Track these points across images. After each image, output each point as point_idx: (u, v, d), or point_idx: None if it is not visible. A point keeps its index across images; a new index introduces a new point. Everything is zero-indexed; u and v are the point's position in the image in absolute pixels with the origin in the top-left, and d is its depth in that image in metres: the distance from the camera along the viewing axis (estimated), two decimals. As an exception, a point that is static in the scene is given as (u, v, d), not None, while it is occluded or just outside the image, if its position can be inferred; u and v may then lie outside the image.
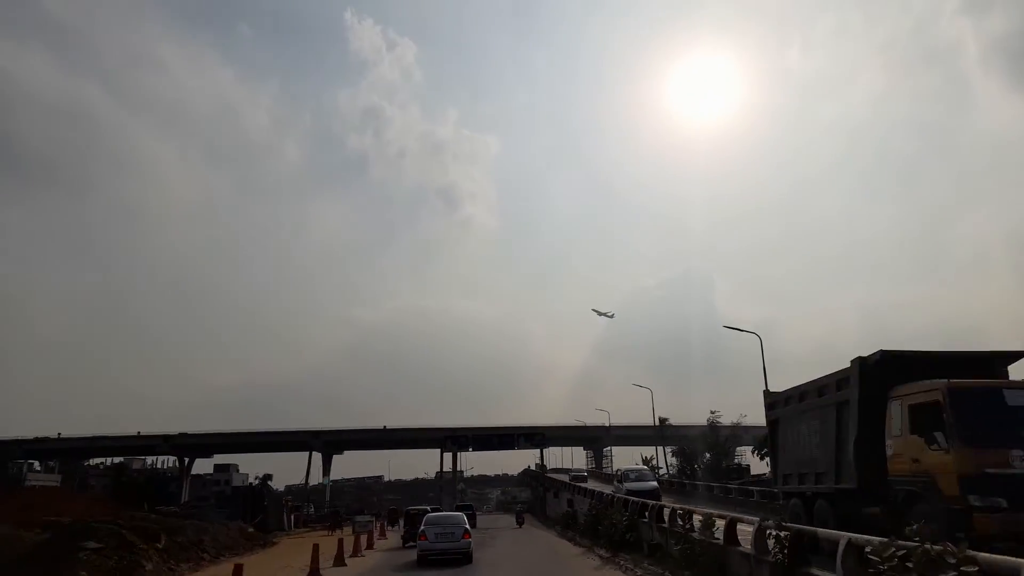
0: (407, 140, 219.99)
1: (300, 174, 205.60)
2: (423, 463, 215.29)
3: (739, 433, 53.21)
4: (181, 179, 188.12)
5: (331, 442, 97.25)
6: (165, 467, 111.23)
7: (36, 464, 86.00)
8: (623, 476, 36.46)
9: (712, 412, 53.40)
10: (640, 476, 34.94)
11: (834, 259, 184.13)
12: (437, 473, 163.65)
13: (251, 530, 34.30)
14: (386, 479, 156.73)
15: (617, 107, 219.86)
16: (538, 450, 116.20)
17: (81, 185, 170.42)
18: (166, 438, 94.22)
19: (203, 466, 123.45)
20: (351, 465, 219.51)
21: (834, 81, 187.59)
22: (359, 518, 41.95)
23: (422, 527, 21.75)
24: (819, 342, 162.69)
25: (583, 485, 49.77)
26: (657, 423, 66.85)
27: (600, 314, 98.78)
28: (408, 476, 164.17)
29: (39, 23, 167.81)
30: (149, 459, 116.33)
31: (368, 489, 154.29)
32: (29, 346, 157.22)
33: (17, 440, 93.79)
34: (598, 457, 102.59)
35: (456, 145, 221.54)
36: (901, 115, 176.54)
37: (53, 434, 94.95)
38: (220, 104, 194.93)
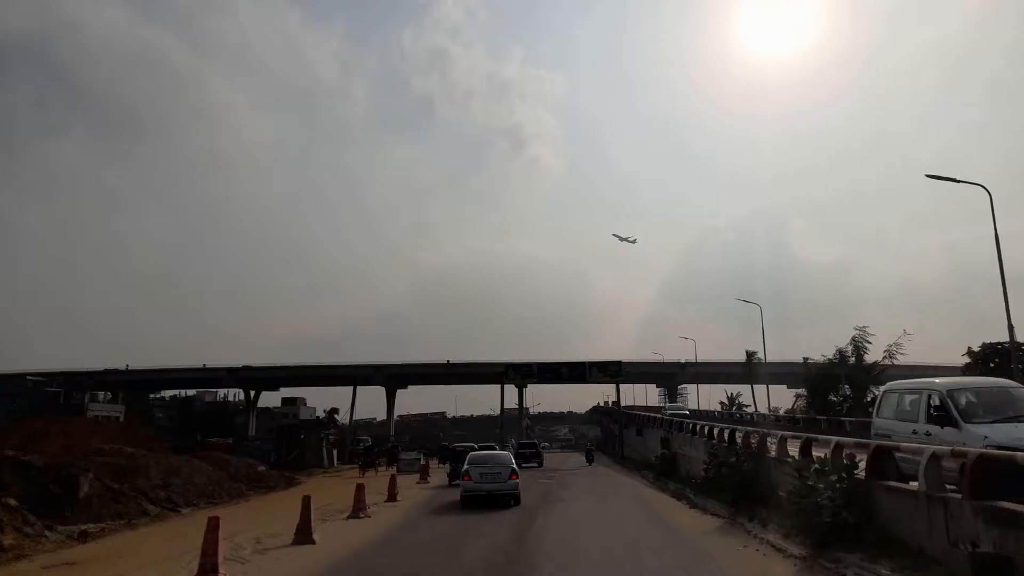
0: (473, 81, 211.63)
1: (368, 117, 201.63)
2: (490, 399, 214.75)
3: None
4: (253, 125, 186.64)
5: (394, 376, 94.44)
6: (235, 400, 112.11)
7: (101, 395, 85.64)
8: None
9: (858, 329, 38.78)
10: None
11: (917, 196, 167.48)
12: (502, 410, 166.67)
13: (262, 468, 29.44)
14: (451, 416, 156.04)
15: (686, 39, 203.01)
16: (611, 385, 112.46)
17: (161, 133, 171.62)
18: (230, 370, 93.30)
19: (272, 400, 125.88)
20: (417, 402, 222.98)
21: (926, 3, 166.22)
22: (405, 455, 37.28)
23: (465, 466, 20.29)
24: (902, 281, 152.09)
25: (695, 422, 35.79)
26: (748, 358, 59.80)
27: (621, 239, 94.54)
28: (478, 412, 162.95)
29: None
30: (221, 392, 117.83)
31: (434, 425, 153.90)
32: (107, 281, 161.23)
33: (88, 372, 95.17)
34: (672, 396, 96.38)
35: (522, 84, 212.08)
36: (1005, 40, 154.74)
37: (122, 366, 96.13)
38: (288, 48, 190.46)
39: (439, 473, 33.97)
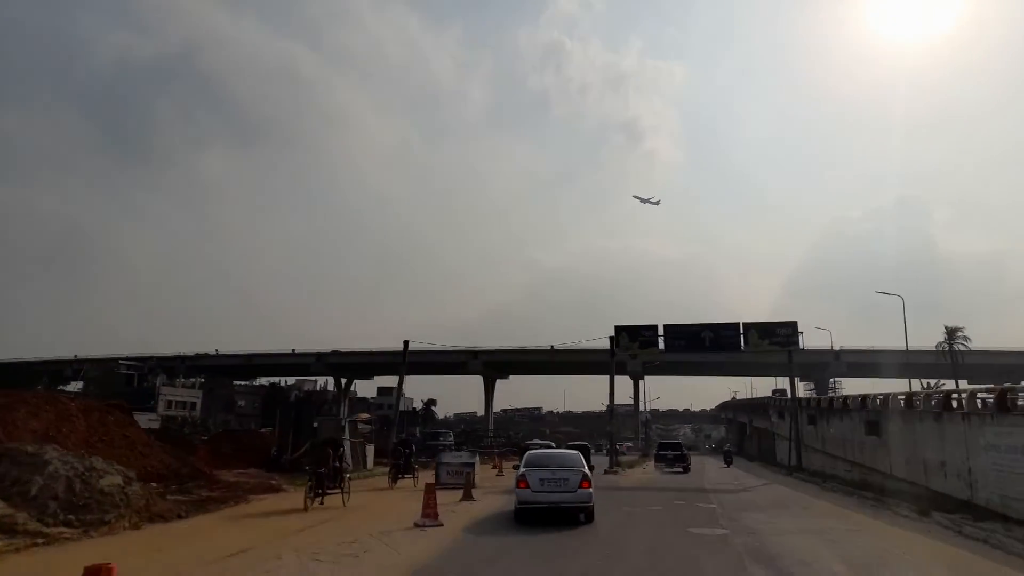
0: (588, 75, 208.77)
1: (485, 116, 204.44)
2: (601, 394, 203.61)
3: None
4: (378, 127, 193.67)
5: (491, 363, 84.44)
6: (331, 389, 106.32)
7: (179, 380, 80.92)
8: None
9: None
10: None
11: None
12: (607, 406, 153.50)
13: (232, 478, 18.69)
14: (558, 411, 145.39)
15: (811, 23, 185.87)
16: (738, 379, 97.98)
17: (293, 139, 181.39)
18: (319, 356, 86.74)
19: (369, 390, 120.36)
20: (520, 395, 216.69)
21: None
22: (447, 457, 23.80)
23: (521, 469, 14.66)
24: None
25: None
26: (945, 342, 44.31)
27: (643, 200, 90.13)
28: (593, 408, 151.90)
29: None
30: (320, 381, 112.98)
31: (540, 420, 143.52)
32: (245, 279, 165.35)
33: (180, 356, 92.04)
34: (822, 389, 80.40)
35: (639, 76, 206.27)
36: None
37: (212, 351, 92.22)
38: (409, 52, 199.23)
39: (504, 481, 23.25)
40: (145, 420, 60.97)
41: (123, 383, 68.74)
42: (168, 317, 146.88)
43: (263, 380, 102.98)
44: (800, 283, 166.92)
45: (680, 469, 36.55)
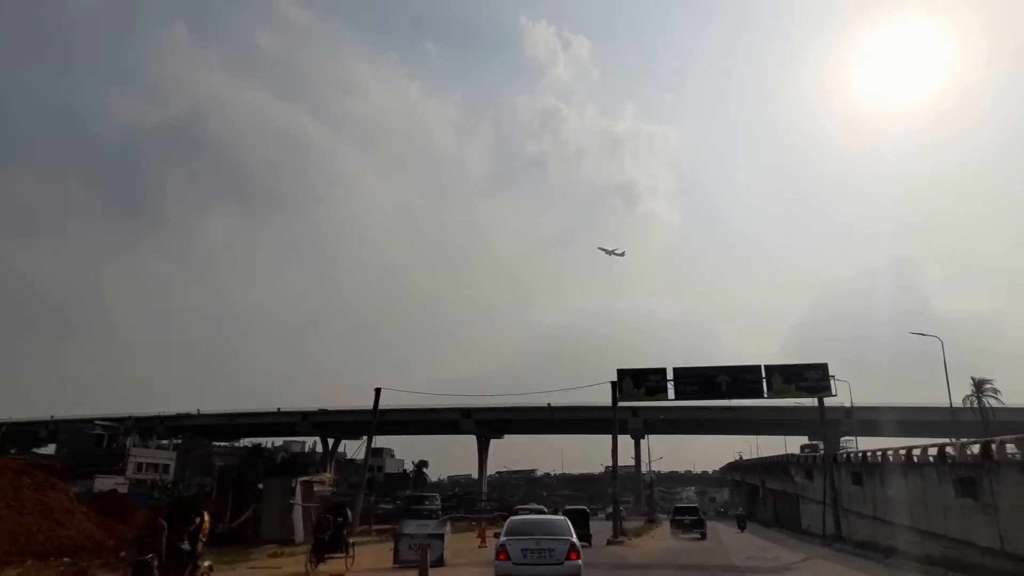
0: (585, 139, 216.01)
1: (485, 180, 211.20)
2: (601, 454, 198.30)
3: None
4: (381, 190, 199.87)
5: (485, 422, 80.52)
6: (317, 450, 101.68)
7: (152, 441, 76.71)
8: None
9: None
10: None
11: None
12: (607, 467, 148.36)
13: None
14: (556, 473, 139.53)
15: (802, 86, 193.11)
16: (743, 437, 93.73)
17: (295, 202, 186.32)
18: (305, 415, 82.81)
19: (360, 452, 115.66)
20: (517, 456, 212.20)
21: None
22: (410, 527, 18.54)
23: (502, 538, 12.88)
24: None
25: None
26: (973, 396, 40.87)
27: (608, 252, 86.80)
28: (591, 469, 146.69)
29: (258, 60, 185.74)
30: (309, 443, 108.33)
31: (536, 482, 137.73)
32: (251, 341, 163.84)
33: (159, 416, 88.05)
34: (832, 449, 76.41)
35: (634, 140, 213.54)
36: None
37: (194, 411, 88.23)
38: (411, 119, 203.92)
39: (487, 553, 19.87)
40: (111, 483, 57.06)
41: (91, 444, 64.71)
42: (166, 378, 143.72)
43: (247, 441, 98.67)
44: (800, 340, 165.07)
45: (698, 535, 36.13)
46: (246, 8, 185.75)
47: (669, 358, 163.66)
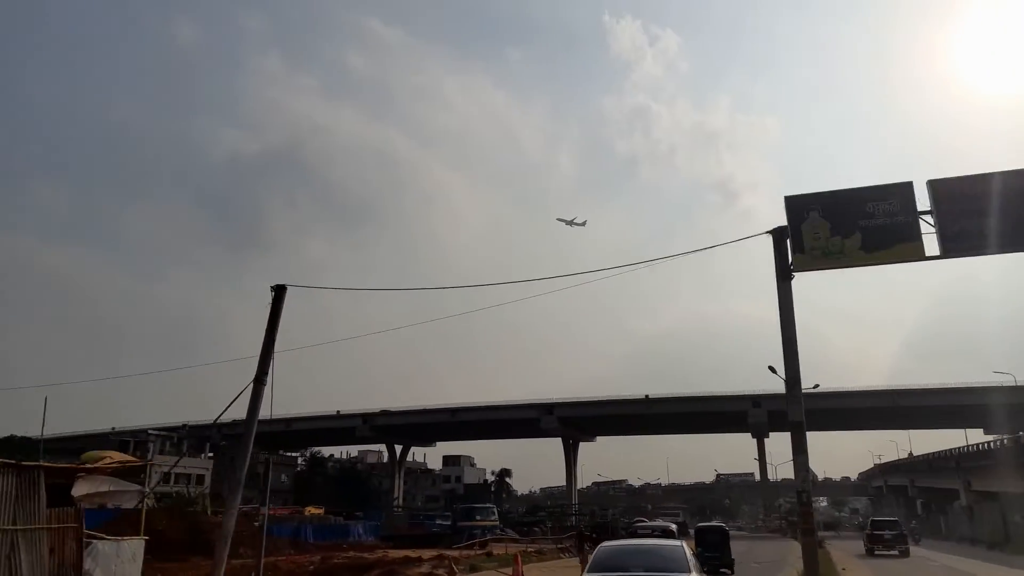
0: (677, 135, 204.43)
1: (573, 185, 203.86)
2: (717, 458, 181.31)
3: None
4: (471, 204, 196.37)
5: (570, 420, 67.53)
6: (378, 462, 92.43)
7: (182, 447, 68.43)
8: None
9: None
10: None
11: None
12: (723, 475, 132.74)
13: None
14: (661, 483, 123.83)
15: (908, 64, 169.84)
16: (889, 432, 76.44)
17: (389, 218, 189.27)
18: (365, 417, 72.86)
19: (434, 459, 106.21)
20: (616, 464, 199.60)
21: None
22: None
23: (585, 572, 9.40)
24: None
25: None
26: None
27: (568, 223, 78.64)
28: (702, 477, 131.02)
29: (348, 81, 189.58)
30: (381, 451, 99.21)
31: (639, 494, 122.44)
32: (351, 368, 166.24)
33: (216, 423, 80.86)
34: None
35: (730, 133, 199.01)
36: None
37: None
38: (498, 127, 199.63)
39: None
40: (127, 498, 48.30)
41: (120, 451, 57.03)
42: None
43: (315, 450, 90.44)
44: (925, 345, 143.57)
45: (896, 552, 32.48)
46: (336, 31, 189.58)
47: (778, 366, 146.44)
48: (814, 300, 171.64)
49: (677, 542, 10.63)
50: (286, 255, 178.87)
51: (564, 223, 78.99)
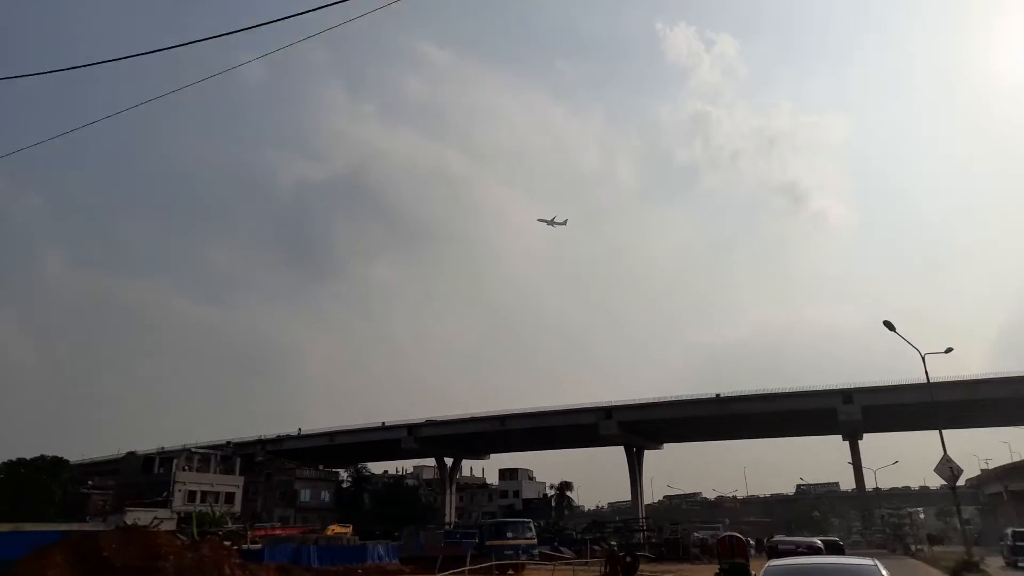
0: (738, 140, 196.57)
1: (633, 196, 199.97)
2: (802, 466, 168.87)
3: None
4: (529, 217, 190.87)
5: (631, 424, 60.64)
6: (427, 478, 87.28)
7: (211, 462, 64.45)
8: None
9: None
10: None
11: None
12: (805, 486, 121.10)
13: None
14: (738, 495, 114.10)
15: (980, 52, 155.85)
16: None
17: (450, 238, 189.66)
18: (411, 428, 67.88)
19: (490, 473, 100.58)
20: (688, 475, 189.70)
21: None
22: None
23: None
24: None
25: None
26: None
27: (548, 223, 76.42)
28: (783, 488, 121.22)
29: (406, 105, 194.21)
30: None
31: (717, 507, 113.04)
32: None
33: (260, 439, 77.75)
34: None
35: (794, 135, 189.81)
36: None
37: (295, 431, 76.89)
38: (554, 141, 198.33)
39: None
40: (148, 518, 44.57)
41: (140, 470, 53.85)
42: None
43: (379, 468, 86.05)
44: (1019, 344, 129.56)
45: None
46: (394, 58, 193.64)
47: (853, 376, 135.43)
48: (894, 301, 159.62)
49: (870, 561, 8.95)
50: (353, 278, 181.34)
51: (545, 223, 77.62)
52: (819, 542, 26.25)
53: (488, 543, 24.73)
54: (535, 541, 25.69)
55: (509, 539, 24.72)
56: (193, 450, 71.13)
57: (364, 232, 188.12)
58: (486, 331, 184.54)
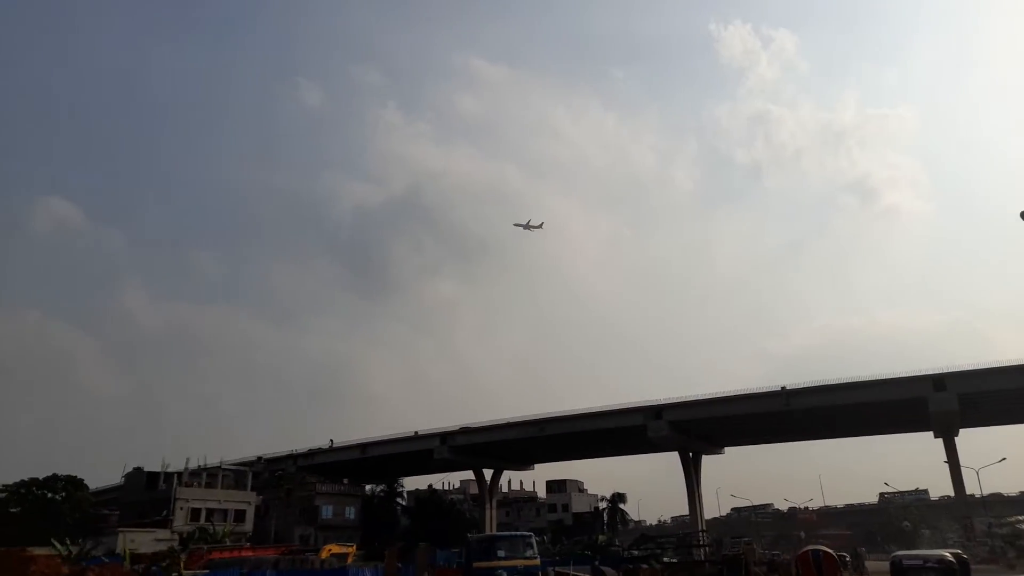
0: (802, 138, 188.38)
1: (692, 199, 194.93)
2: (886, 470, 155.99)
3: None
4: (585, 228, 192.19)
5: (685, 425, 53.75)
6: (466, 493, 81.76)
7: (220, 477, 60.24)
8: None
9: None
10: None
11: None
12: (889, 495, 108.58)
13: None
14: (812, 506, 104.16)
15: None
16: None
17: (507, 252, 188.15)
18: (443, 437, 62.63)
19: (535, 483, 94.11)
20: (760, 486, 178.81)
21: None
22: None
23: None
24: None
25: None
26: None
27: (524, 227, 76.69)
28: (863, 498, 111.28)
29: (460, 122, 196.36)
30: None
31: (789, 519, 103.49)
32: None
33: (291, 454, 73.95)
34: None
35: (861, 129, 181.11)
36: None
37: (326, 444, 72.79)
38: (609, 150, 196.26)
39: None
40: (151, 541, 40.73)
41: (142, 488, 50.18)
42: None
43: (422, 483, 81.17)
44: None
45: None
46: (447, 76, 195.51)
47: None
48: (977, 298, 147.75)
49: None
50: (415, 297, 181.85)
51: (521, 227, 77.00)
52: (949, 555, 21.51)
53: (475, 565, 19.00)
54: (537, 562, 19.76)
55: (501, 560, 18.82)
56: (224, 467, 67.81)
57: (425, 251, 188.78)
58: (545, 336, 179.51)
